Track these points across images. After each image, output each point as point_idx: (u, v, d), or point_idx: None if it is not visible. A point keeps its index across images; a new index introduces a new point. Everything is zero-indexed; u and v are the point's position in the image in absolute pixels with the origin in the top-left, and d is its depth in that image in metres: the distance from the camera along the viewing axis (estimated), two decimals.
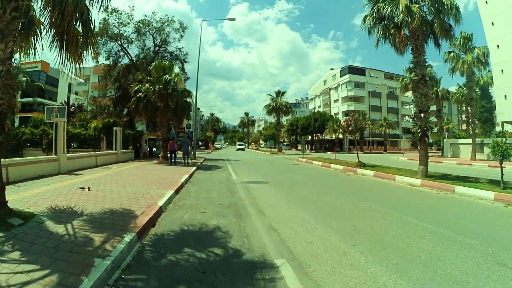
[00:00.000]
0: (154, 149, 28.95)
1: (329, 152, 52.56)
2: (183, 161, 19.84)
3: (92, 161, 16.02)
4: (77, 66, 7.16)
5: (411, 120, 72.34)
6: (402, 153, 50.68)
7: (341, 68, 73.58)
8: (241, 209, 7.40)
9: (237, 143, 76.33)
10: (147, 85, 18.63)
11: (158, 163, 19.83)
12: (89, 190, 8.48)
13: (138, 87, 19.12)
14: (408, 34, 13.55)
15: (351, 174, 16.23)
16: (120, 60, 28.47)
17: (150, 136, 29.72)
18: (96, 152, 16.87)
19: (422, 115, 13.64)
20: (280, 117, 55.58)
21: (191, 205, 7.73)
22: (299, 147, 79.18)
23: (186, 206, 7.56)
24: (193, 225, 5.95)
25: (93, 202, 6.95)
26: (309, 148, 71.43)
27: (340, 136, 56.37)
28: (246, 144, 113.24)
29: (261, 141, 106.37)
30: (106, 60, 27.96)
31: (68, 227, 5.09)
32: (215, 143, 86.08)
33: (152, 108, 19.39)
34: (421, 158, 13.49)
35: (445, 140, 40.17)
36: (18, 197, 7.23)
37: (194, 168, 16.81)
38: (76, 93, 62.74)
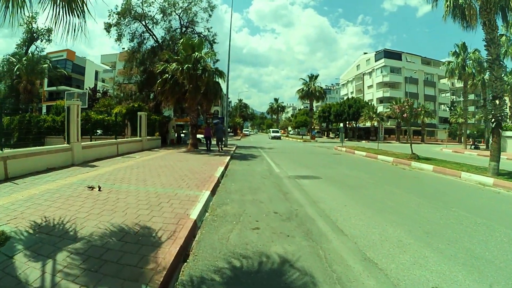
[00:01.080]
0: (182, 135, 27.07)
1: (363, 141, 49.55)
2: (217, 148, 19.14)
3: (113, 150, 14.16)
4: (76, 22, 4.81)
5: (448, 109, 67.51)
6: (444, 144, 47.14)
7: (376, 52, 69.03)
8: (308, 223, 5.17)
9: (271, 129, 62.10)
10: (174, 64, 16.51)
11: (187, 151, 17.89)
12: (99, 190, 6.43)
13: (164, 67, 17.03)
14: (478, 6, 11.39)
15: (406, 168, 13.75)
16: (145, 42, 26.54)
17: (178, 122, 27.97)
18: (118, 140, 14.95)
19: (497, 102, 11.15)
20: (312, 102, 52.53)
21: (235, 214, 5.51)
22: (331, 134, 76.43)
23: (230, 217, 5.34)
24: (247, 257, 3.73)
25: (99, 213, 4.84)
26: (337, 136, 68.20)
27: (375, 124, 52.81)
28: (266, 130, 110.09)
29: (289, 128, 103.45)
30: (130, 42, 26.10)
31: (47, 271, 2.97)
32: (244, 129, 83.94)
33: (179, 90, 17.31)
34: (492, 153, 11.16)
35: None
36: (5, 202, 5.37)
37: (228, 157, 14.67)
38: (103, 81, 62.22)
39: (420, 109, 19.10)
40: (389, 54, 65.54)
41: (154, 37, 26.28)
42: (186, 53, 17.01)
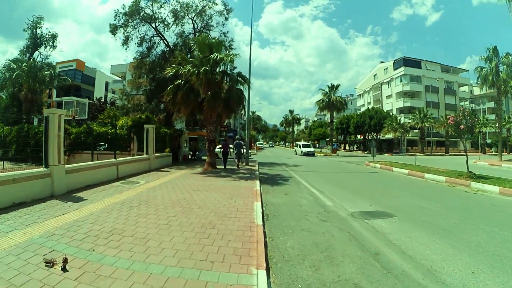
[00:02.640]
0: (197, 152, 24.10)
1: (386, 154, 46.27)
2: (234, 166, 17.25)
3: (111, 173, 11.20)
4: None
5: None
6: (468, 155, 43.69)
7: (394, 60, 65.85)
8: None
9: (301, 143, 45.55)
10: (189, 66, 13.67)
11: (204, 171, 14.87)
12: (63, 269, 3.48)
13: (176, 70, 14.21)
14: None
15: (470, 191, 11.08)
16: (155, 47, 23.89)
17: (191, 136, 24.92)
18: (118, 159, 11.92)
19: None
20: (333, 114, 49.36)
21: None
22: (347, 147, 72.84)
23: None
24: None
25: None
26: (360, 149, 64.66)
27: (398, 135, 49.41)
28: (279, 143, 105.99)
29: (303, 141, 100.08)
30: (138, 46, 23.40)
31: None
32: (257, 142, 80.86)
33: (195, 99, 14.44)
34: None
35: None
36: None
37: (257, 181, 11.62)
38: (113, 92, 60.23)
39: (477, 120, 15.97)
40: (408, 62, 62.54)
41: (165, 41, 23.65)
42: (202, 55, 14.18)
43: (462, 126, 14.83)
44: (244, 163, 19.32)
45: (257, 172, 15.36)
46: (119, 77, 58.43)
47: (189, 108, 14.79)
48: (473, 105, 75.57)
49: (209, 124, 15.78)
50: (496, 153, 42.08)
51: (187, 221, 5.71)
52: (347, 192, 10.62)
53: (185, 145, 22.55)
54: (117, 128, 17.31)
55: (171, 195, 8.35)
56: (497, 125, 37.93)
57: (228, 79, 14.40)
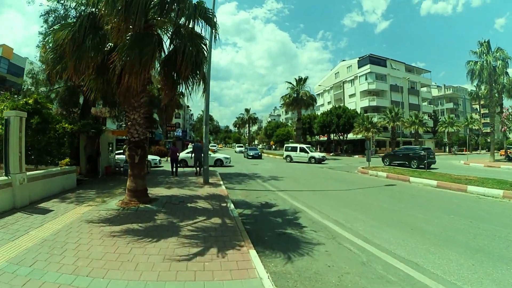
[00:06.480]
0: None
1: (356, 156, 41.99)
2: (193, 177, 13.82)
3: None
4: None
5: (428, 118, 64.06)
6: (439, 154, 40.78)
7: (359, 58, 61.84)
8: None
9: (302, 146, 33.20)
10: None
11: (120, 209, 7.14)
12: None
13: None
14: None
15: None
16: None
17: (120, 136, 16.52)
18: None
19: None
20: (300, 111, 43.32)
21: None
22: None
23: None
24: None
25: None
26: (321, 150, 60.02)
27: (371, 135, 45.09)
28: (231, 144, 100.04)
29: (256, 142, 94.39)
30: None
31: None
32: (210, 145, 73.15)
33: (100, 47, 6.70)
34: None
35: None
36: None
37: (249, 255, 4.56)
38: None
39: None
40: (374, 60, 59.06)
41: None
42: None
43: None
44: (202, 180, 12.26)
45: (230, 203, 8.17)
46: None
47: (81, 65, 6.56)
48: (431, 105, 75.69)
49: (131, 108, 7.63)
50: (458, 153, 39.80)
51: None
52: (467, 259, 4.34)
53: (110, 149, 14.68)
54: None
55: None
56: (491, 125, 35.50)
57: (178, 9, 6.73)
